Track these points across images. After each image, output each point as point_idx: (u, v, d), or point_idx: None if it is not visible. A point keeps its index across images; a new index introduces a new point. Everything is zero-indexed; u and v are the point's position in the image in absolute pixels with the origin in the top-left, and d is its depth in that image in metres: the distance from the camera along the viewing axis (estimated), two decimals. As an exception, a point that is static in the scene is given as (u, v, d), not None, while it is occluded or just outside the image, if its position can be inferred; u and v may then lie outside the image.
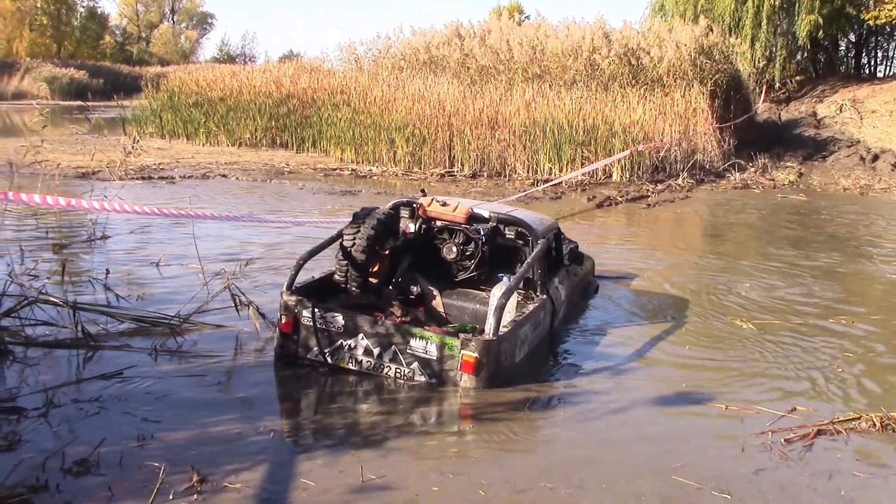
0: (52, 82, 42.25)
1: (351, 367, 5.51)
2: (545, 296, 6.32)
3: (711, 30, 22.99)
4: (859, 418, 5.30)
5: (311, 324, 5.51)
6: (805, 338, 7.12)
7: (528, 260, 6.02)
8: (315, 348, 5.56)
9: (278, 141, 20.94)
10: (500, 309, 5.34)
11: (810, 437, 4.98)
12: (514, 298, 5.98)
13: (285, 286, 5.66)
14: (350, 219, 6.02)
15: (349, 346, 5.49)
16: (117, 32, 71.59)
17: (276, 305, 5.87)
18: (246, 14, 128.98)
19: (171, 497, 3.82)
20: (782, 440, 4.93)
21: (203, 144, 21.07)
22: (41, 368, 5.38)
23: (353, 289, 5.91)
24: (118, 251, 9.00)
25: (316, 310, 5.52)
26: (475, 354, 5.21)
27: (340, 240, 5.92)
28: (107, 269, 7.47)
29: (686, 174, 17.49)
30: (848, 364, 6.47)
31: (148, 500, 3.76)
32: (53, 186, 9.96)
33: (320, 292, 5.94)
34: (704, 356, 6.56)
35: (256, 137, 21.00)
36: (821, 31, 29.86)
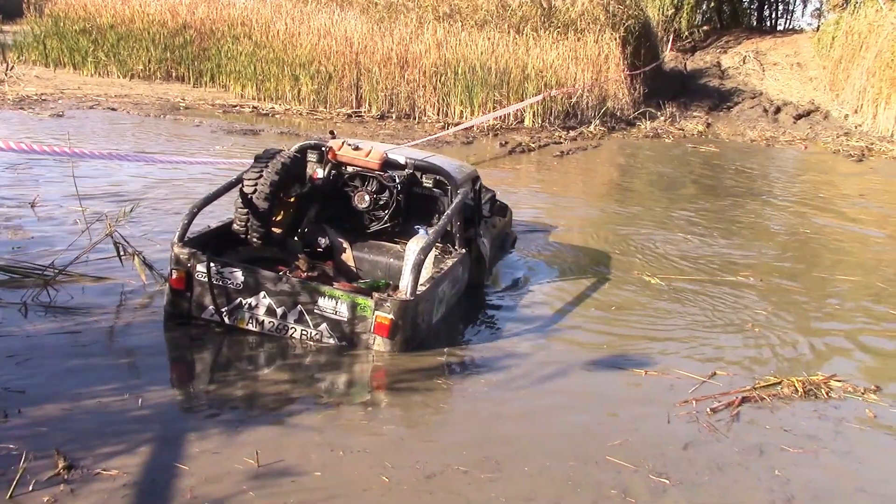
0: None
1: (251, 328, 4.95)
2: (464, 250, 5.86)
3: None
4: (780, 383, 5.15)
5: (206, 280, 4.90)
6: (717, 295, 6.95)
7: (448, 211, 5.53)
8: (210, 307, 4.96)
9: (174, 74, 19.64)
10: (419, 266, 4.85)
11: (735, 406, 4.77)
12: (432, 253, 5.48)
13: (176, 237, 5.02)
14: (251, 161, 5.41)
15: (249, 304, 4.92)
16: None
17: (166, 256, 5.21)
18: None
19: (30, 488, 3.24)
20: (708, 409, 4.69)
21: (91, 75, 19.59)
22: None
23: (255, 240, 5.32)
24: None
25: (212, 264, 4.91)
26: (390, 316, 4.73)
27: (240, 185, 5.30)
28: (-29, 212, 6.68)
29: (598, 121, 17.23)
30: (762, 324, 6.31)
31: (6, 493, 3.17)
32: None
33: (217, 244, 5.32)
34: (621, 315, 6.27)
35: (150, 69, 19.65)
36: (728, -19, 30.09)
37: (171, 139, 12.15)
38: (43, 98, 14.92)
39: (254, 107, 16.59)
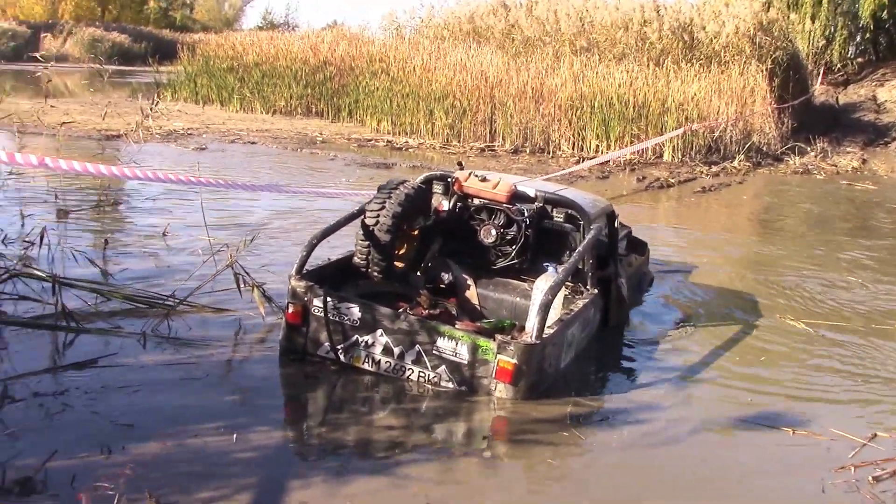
0: (94, 46, 41.75)
1: (367, 367, 4.69)
2: (596, 290, 5.44)
3: (771, 5, 21.77)
4: None
5: (323, 315, 4.69)
6: (875, 347, 6.21)
7: (580, 248, 5.13)
8: (326, 343, 4.74)
9: (314, 109, 20.12)
10: (546, 307, 4.47)
11: (901, 475, 4.12)
12: (562, 293, 5.09)
13: (294, 269, 4.82)
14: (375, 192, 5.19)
15: (366, 342, 4.67)
16: (161, -2, 71.19)
17: (286, 289, 5.03)
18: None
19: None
20: (870, 478, 4.06)
21: (236, 111, 20.35)
22: (10, 353, 4.63)
23: (375, 274, 5.07)
24: (127, 219, 8.28)
25: (329, 298, 4.69)
26: (514, 360, 4.36)
27: (362, 216, 5.09)
28: (105, 240, 6.79)
29: (742, 156, 16.38)
30: None
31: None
32: (65, 147, 9.26)
33: (336, 278, 5.11)
34: (768, 366, 5.68)
35: (291, 105, 20.21)
36: (885, 11, 28.45)
37: (302, 171, 12.29)
38: (189, 132, 15.49)
39: (388, 141, 16.68)
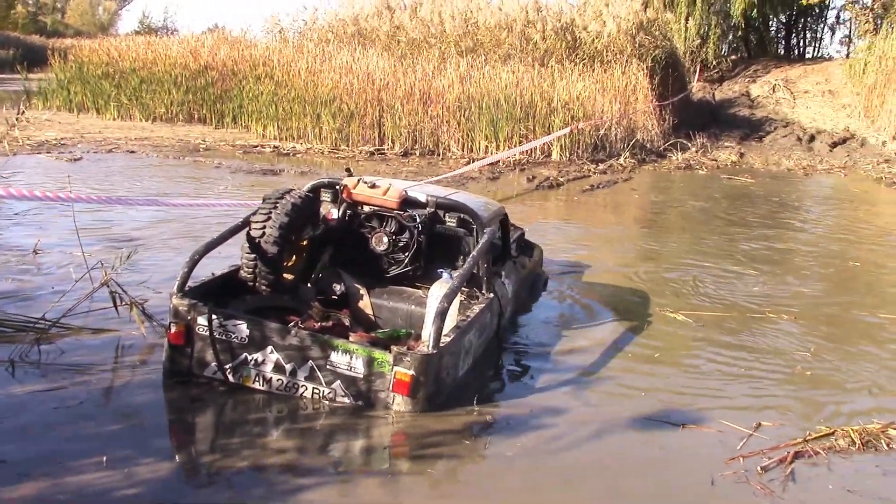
0: (-44, 54, 39.65)
1: (258, 386, 4.46)
2: (492, 294, 5.36)
3: (649, 4, 22.35)
4: (833, 433, 4.59)
5: (208, 333, 4.44)
6: (757, 336, 6.40)
7: (474, 253, 5.03)
8: (213, 364, 4.48)
9: (196, 116, 19.47)
10: (442, 315, 4.35)
11: (788, 462, 4.20)
12: (458, 299, 4.98)
13: (175, 287, 4.56)
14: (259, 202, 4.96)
15: (255, 360, 4.44)
16: (30, 2, 68.12)
17: (168, 307, 4.75)
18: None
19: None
20: (758, 468, 4.12)
21: (114, 119, 19.51)
22: None
23: (263, 288, 4.85)
24: (-6, 237, 7.75)
25: (213, 316, 4.44)
26: (411, 371, 4.22)
27: (247, 228, 4.85)
28: (-31, 262, 6.31)
29: (627, 153, 16.73)
30: (805, 367, 5.75)
31: None
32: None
33: (223, 293, 4.86)
34: (659, 361, 5.72)
35: (172, 112, 19.50)
36: (754, 10, 29.69)
37: (184, 180, 11.82)
38: (62, 142, 14.74)
39: (275, 147, 16.29)
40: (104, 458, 3.68)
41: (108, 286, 5.16)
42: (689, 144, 18.81)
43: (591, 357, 5.62)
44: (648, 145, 17.99)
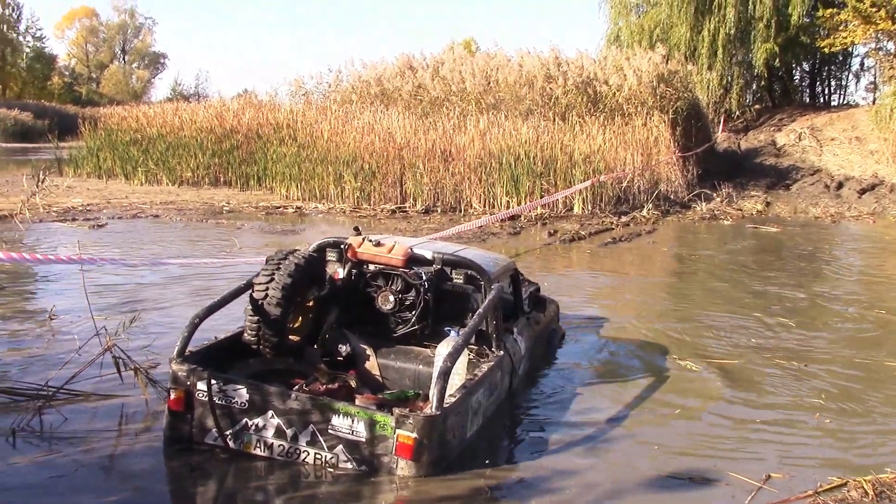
0: (-5, 124, 40.80)
1: (259, 452, 4.35)
2: (502, 352, 5.23)
3: (670, 57, 22.40)
4: (846, 484, 4.43)
5: (208, 399, 4.35)
6: (776, 386, 6.26)
7: (481, 310, 4.93)
8: (213, 430, 4.39)
9: (222, 179, 19.77)
10: (445, 374, 4.23)
11: (796, 515, 4.00)
12: (465, 357, 4.86)
13: (175, 352, 4.49)
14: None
15: (256, 425, 4.34)
16: (66, 73, 70.07)
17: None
18: (200, 53, 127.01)
19: None
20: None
21: (142, 184, 19.85)
22: None
23: (268, 351, 4.78)
24: (9, 303, 7.76)
25: (213, 381, 4.36)
26: (413, 434, 4.09)
27: (250, 290, 4.79)
28: (-19, 329, 6.32)
29: (651, 205, 16.61)
30: (821, 415, 5.58)
31: None
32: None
33: (226, 357, 4.79)
34: (678, 416, 5.57)
35: (198, 175, 19.81)
36: (777, 60, 29.66)
37: (208, 244, 11.87)
38: (88, 208, 14.95)
39: (297, 207, 16.41)
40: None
41: (111, 352, 5.11)
42: (714, 195, 18.66)
43: (607, 413, 5.45)
44: (672, 196, 17.88)
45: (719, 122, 28.86)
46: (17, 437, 4.54)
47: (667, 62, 21.43)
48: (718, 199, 18.45)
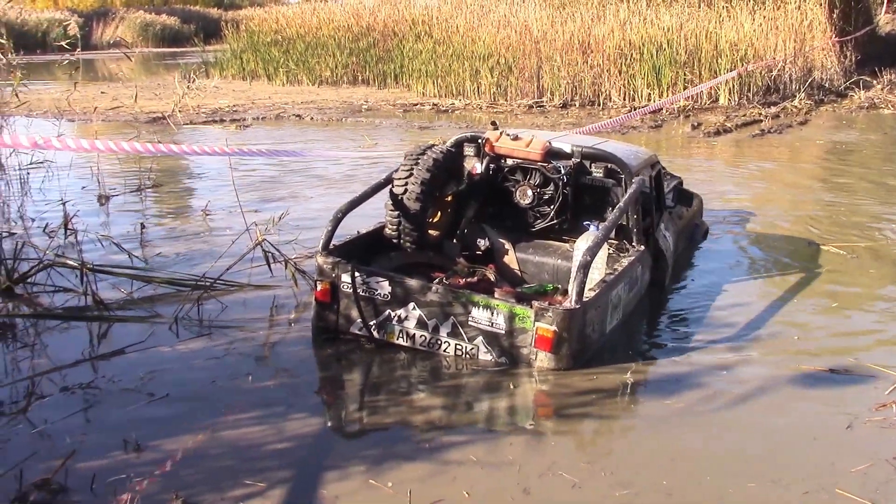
0: (146, 30, 42.22)
1: (401, 342, 4.49)
2: (642, 246, 5.13)
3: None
4: None
5: (352, 291, 4.50)
6: None
7: (621, 203, 4.83)
8: (358, 320, 4.54)
9: (360, 78, 19.93)
10: (585, 268, 4.20)
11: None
12: (605, 251, 4.80)
13: (320, 245, 4.63)
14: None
15: (398, 316, 4.46)
16: (209, -23, 71.54)
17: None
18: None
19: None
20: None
21: (283, 84, 20.28)
22: (41, 347, 4.57)
23: (408, 245, 4.86)
24: (166, 200, 8.21)
25: (356, 274, 4.49)
26: (553, 327, 4.11)
27: (390, 185, 4.86)
28: (141, 224, 6.71)
29: (803, 95, 15.67)
30: None
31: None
32: (111, 131, 9.24)
33: (368, 251, 4.91)
34: (825, 304, 5.46)
35: (337, 75, 20.04)
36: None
37: (347, 140, 12.09)
38: (234, 109, 15.43)
39: (434, 104, 16.40)
40: (257, 415, 3.82)
41: (261, 246, 5.34)
42: (874, 82, 17.38)
43: (753, 309, 5.31)
44: (827, 85, 16.80)
45: (883, 3, 26.62)
46: (179, 324, 4.84)
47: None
48: (879, 87, 17.17)
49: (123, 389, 4.03)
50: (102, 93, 16.30)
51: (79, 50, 7.80)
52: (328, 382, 4.43)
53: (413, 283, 4.42)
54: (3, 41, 6.70)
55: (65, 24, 23.92)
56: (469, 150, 5.37)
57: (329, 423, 3.93)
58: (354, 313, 4.53)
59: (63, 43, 7.70)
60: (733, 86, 15.49)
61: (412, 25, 19.28)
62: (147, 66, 27.18)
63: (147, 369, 4.25)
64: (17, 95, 6.82)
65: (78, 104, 9.87)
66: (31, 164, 7.78)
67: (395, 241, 4.86)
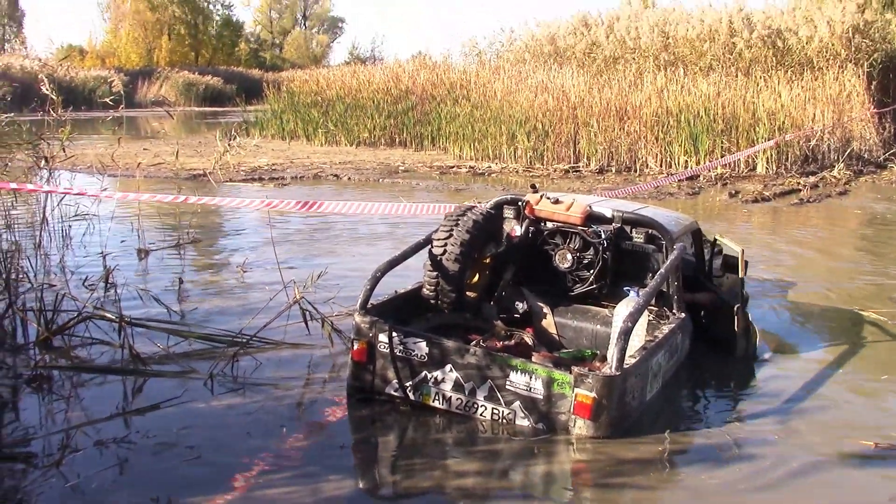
0: (189, 89, 43.23)
1: (437, 405, 4.42)
2: (683, 314, 5.06)
3: (867, 6, 20.73)
4: None
5: (389, 351, 4.46)
6: None
7: (662, 269, 4.78)
8: (394, 381, 4.49)
9: (397, 139, 20.21)
10: (626, 334, 4.13)
11: None
12: (645, 318, 4.74)
13: (358, 304, 4.61)
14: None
15: (435, 378, 4.41)
16: (252, 39, 73.33)
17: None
18: (376, 16, 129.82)
19: None
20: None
21: (321, 144, 20.61)
22: (76, 399, 4.58)
23: (446, 306, 4.82)
24: (205, 256, 8.28)
25: (394, 334, 4.46)
26: (592, 394, 4.03)
27: (429, 246, 4.85)
28: (179, 279, 6.75)
29: (842, 165, 15.57)
30: None
31: None
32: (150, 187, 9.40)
33: (405, 311, 4.89)
34: (872, 379, 5.30)
35: (375, 136, 20.33)
36: None
37: (383, 201, 12.16)
38: (273, 168, 15.64)
39: (470, 167, 16.52)
40: (292, 475, 3.76)
41: (299, 304, 5.34)
42: (915, 154, 17.26)
43: (797, 381, 5.18)
44: (866, 155, 16.70)
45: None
46: (214, 380, 4.83)
47: (863, 11, 19.87)
48: (919, 159, 17.06)
49: (157, 444, 4.00)
50: (145, 149, 16.64)
51: (123, 107, 7.99)
52: (362, 443, 4.37)
53: (451, 344, 4.38)
54: (53, 97, 6.87)
55: (110, 81, 24.66)
56: (509, 212, 5.37)
57: (362, 486, 3.87)
58: (391, 374, 4.49)
59: (108, 100, 7.88)
60: (771, 155, 15.46)
61: (450, 89, 19.56)
62: (189, 125, 27.81)
63: (181, 425, 4.22)
64: (63, 150, 6.96)
65: (121, 160, 10.06)
66: (73, 216, 7.90)
67: (432, 301, 4.82)
